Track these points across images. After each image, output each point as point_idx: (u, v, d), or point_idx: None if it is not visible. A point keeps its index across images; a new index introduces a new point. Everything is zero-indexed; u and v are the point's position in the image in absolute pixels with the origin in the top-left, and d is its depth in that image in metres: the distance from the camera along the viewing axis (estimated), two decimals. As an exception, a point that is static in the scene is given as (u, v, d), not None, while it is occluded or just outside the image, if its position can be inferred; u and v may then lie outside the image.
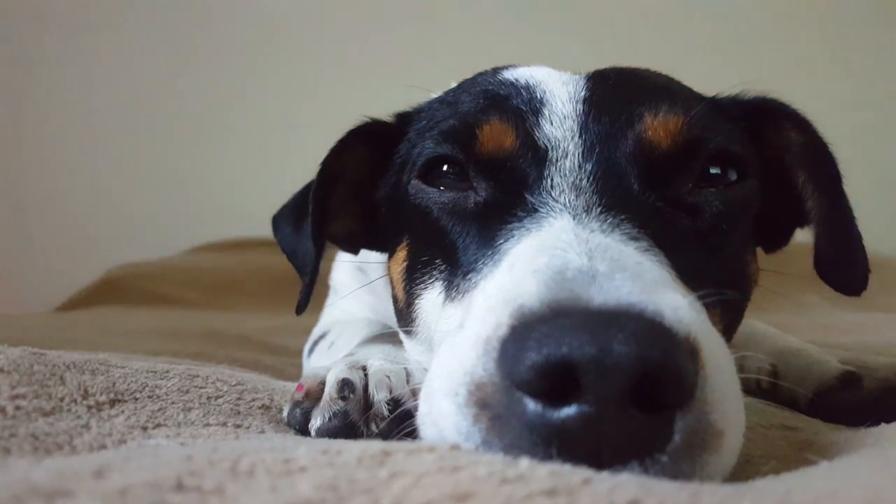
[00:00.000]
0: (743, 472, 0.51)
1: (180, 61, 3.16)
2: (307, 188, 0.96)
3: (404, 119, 0.87)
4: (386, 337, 0.89)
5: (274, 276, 2.43)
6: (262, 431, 0.64)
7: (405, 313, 0.77)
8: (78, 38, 3.12)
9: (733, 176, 0.70)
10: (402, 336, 0.82)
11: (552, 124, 0.70)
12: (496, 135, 0.70)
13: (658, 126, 0.68)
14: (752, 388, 0.92)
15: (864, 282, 0.78)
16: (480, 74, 0.84)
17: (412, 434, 0.57)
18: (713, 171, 0.69)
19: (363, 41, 3.18)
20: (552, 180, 0.65)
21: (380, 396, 0.65)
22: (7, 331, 1.34)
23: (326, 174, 0.87)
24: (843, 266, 0.79)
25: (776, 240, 0.91)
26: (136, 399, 0.64)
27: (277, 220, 1.01)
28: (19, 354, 0.65)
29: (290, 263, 0.96)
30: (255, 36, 3.19)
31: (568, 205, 0.62)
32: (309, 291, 0.88)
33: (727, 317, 0.68)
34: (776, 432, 0.70)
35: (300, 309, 0.89)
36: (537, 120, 0.70)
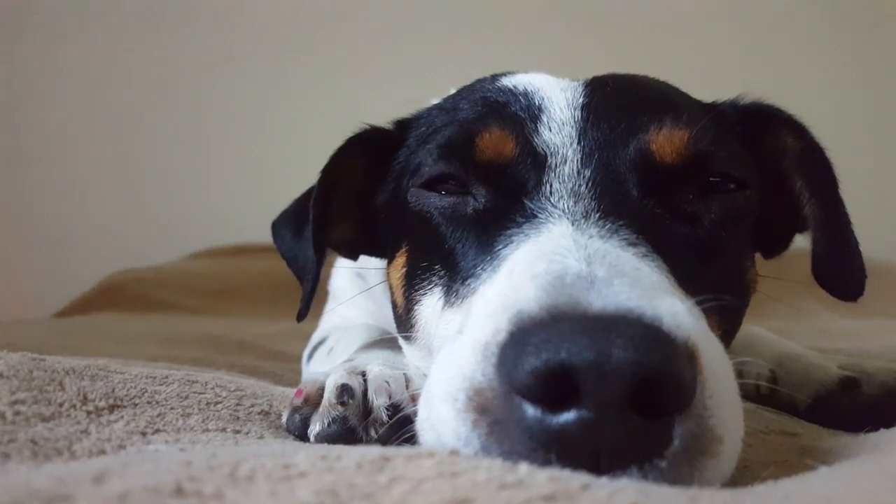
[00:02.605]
0: (742, 477, 0.51)
1: (179, 66, 3.17)
2: (307, 194, 0.96)
3: (404, 126, 0.88)
4: (385, 342, 0.89)
5: (273, 282, 2.43)
6: (262, 437, 0.64)
7: (404, 319, 0.77)
8: (77, 42, 3.13)
9: (732, 185, 0.71)
10: (401, 341, 0.82)
11: (551, 130, 0.70)
12: (495, 143, 0.70)
13: (663, 140, 0.68)
14: (751, 394, 0.92)
15: (861, 288, 0.78)
16: (479, 81, 0.84)
17: (411, 439, 0.57)
18: (713, 179, 0.70)
19: (363, 46, 3.19)
20: (551, 186, 0.66)
21: (379, 402, 0.65)
22: (6, 336, 1.34)
23: (327, 181, 0.87)
24: (840, 272, 0.79)
25: (775, 246, 0.91)
26: (136, 405, 0.64)
27: (277, 226, 1.01)
28: (19, 360, 0.65)
29: (290, 270, 0.96)
30: (253, 40, 3.19)
31: (567, 210, 0.63)
32: (310, 298, 0.88)
33: (726, 322, 0.68)
34: (775, 438, 0.71)
35: (301, 316, 0.89)
36: (536, 126, 0.70)
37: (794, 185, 0.82)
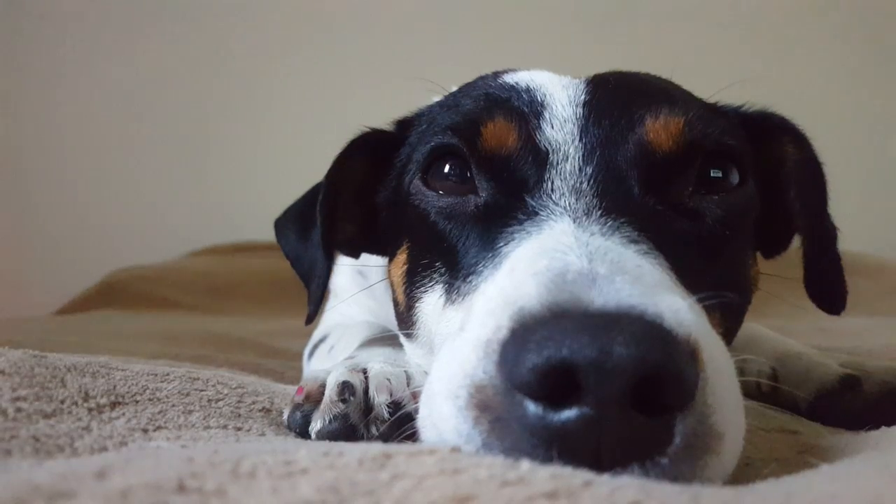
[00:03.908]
0: (743, 475, 0.51)
1: (180, 65, 3.17)
2: (311, 195, 0.96)
3: (405, 125, 0.88)
4: (386, 340, 0.89)
5: (274, 280, 2.43)
6: (263, 434, 0.64)
7: (405, 316, 0.77)
8: (79, 40, 3.13)
9: (734, 180, 0.71)
10: (402, 339, 0.82)
11: (553, 128, 0.70)
12: (500, 132, 0.70)
13: (659, 128, 0.68)
14: (752, 392, 0.92)
15: (843, 303, 0.81)
16: (481, 78, 0.84)
17: (413, 437, 0.57)
18: (714, 174, 0.70)
19: (365, 45, 3.19)
20: (552, 183, 0.66)
21: (380, 399, 0.65)
22: (8, 333, 1.34)
23: (332, 185, 0.87)
24: (824, 286, 0.81)
25: (775, 245, 0.91)
26: (137, 402, 0.64)
27: (280, 226, 1.01)
28: (20, 357, 0.65)
29: (294, 269, 0.96)
30: (253, 40, 3.19)
31: (568, 208, 0.62)
32: (318, 301, 0.88)
33: (727, 320, 0.69)
34: (776, 435, 0.70)
35: (309, 319, 0.89)
36: (538, 123, 0.70)
37: (790, 193, 0.83)
